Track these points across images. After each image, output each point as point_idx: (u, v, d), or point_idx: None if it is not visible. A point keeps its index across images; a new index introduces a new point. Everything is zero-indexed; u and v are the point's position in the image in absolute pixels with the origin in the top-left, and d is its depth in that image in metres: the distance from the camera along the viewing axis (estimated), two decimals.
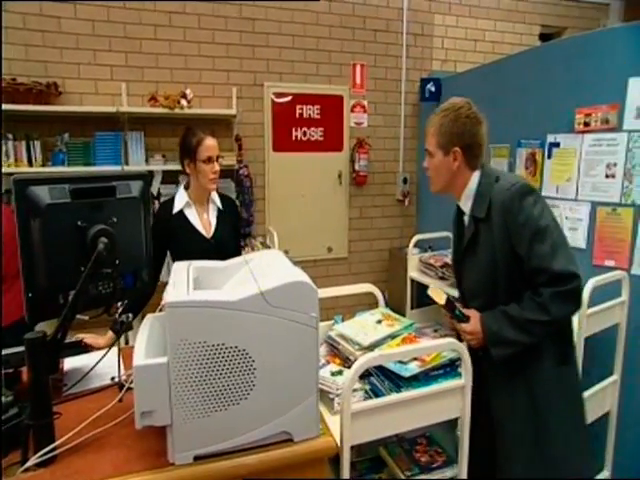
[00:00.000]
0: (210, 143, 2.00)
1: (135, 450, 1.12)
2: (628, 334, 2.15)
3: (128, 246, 1.28)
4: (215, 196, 2.12)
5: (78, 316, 1.19)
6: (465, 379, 1.37)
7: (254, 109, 3.72)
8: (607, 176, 2.24)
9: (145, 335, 1.18)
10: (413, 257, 3.18)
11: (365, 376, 1.46)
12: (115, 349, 1.35)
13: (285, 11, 3.71)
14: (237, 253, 2.09)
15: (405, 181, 4.18)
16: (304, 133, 3.89)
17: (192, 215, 2.06)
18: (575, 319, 1.90)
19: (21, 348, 1.10)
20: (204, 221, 2.08)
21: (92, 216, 1.17)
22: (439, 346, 1.42)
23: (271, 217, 3.87)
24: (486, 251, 1.52)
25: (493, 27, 4.39)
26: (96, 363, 1.32)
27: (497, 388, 1.53)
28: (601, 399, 2.12)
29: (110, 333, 1.61)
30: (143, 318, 1.29)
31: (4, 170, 2.83)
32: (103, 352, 1.35)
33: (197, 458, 1.08)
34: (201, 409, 1.07)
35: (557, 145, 2.49)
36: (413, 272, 3.17)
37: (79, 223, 1.14)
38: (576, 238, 2.39)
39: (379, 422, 1.29)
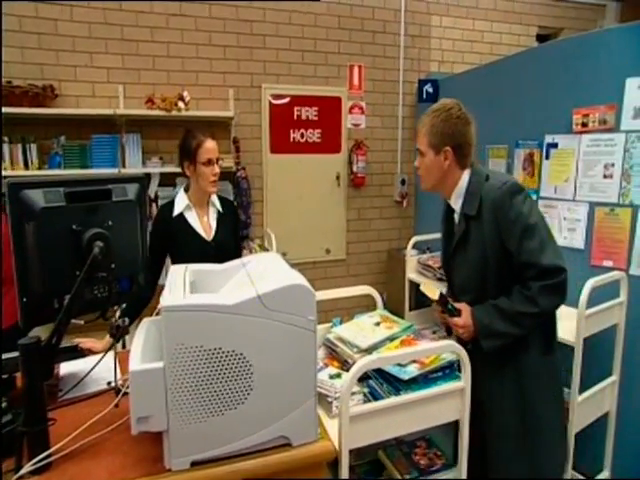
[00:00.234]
0: (210, 145, 1.99)
1: (131, 456, 1.11)
2: (627, 335, 2.14)
3: (124, 250, 1.26)
4: (215, 199, 2.12)
5: (73, 321, 1.18)
6: (464, 381, 1.37)
7: (251, 111, 3.72)
8: (605, 176, 2.23)
9: (141, 339, 1.17)
10: (411, 258, 3.18)
11: (364, 379, 1.45)
12: (112, 353, 1.34)
13: (282, 13, 3.71)
14: (237, 256, 2.07)
15: (403, 182, 4.18)
16: (302, 135, 3.89)
17: (192, 218, 2.05)
18: (574, 320, 1.91)
19: (15, 353, 1.09)
20: (204, 224, 2.07)
21: (87, 219, 1.16)
22: (438, 348, 1.41)
23: (269, 219, 3.86)
24: (477, 248, 1.57)
25: (490, 28, 4.39)
26: (92, 368, 1.30)
27: (487, 379, 1.55)
28: (600, 400, 2.12)
29: (108, 337, 1.60)
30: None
31: None
32: (99, 357, 1.33)
33: (194, 464, 1.07)
34: (198, 414, 1.05)
35: (555, 146, 2.49)
36: (411, 273, 3.16)
37: (74, 227, 1.13)
38: (574, 238, 2.39)
39: (378, 425, 1.28)
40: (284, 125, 3.83)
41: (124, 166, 3.22)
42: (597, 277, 1.98)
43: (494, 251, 1.53)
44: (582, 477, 2.19)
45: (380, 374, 1.43)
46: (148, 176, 3.29)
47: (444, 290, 1.75)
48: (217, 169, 2.01)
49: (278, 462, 1.12)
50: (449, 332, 1.87)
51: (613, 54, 2.20)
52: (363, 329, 1.68)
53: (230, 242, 2.11)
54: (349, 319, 1.84)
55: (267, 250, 3.63)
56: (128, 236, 1.29)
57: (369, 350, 1.56)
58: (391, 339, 1.61)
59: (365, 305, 2.29)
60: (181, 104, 3.26)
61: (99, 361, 1.31)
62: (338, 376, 1.52)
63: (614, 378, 2.15)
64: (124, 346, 2.41)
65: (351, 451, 1.23)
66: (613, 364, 2.15)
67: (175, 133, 3.35)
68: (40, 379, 1.05)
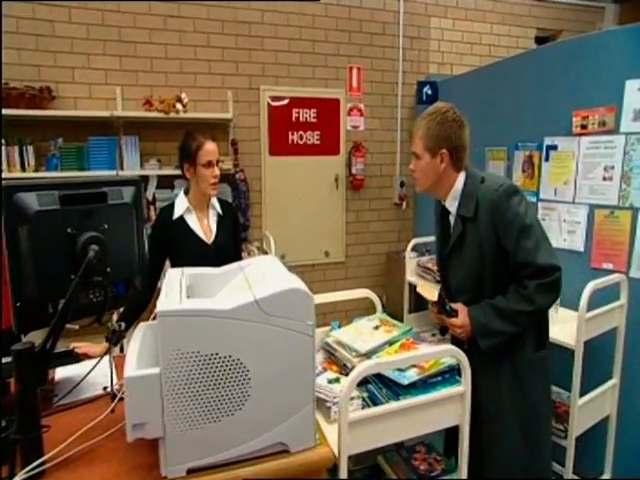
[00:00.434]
0: (210, 147, 1.98)
1: (126, 463, 1.09)
2: (627, 338, 2.13)
3: (120, 253, 1.25)
4: (215, 201, 2.10)
5: (68, 325, 1.16)
6: (464, 386, 1.35)
7: (250, 113, 3.71)
8: (605, 179, 2.22)
9: (137, 344, 1.16)
10: (411, 261, 3.17)
11: (363, 383, 1.44)
12: (108, 358, 1.32)
13: (281, 14, 3.70)
14: (237, 259, 2.07)
15: (402, 184, 4.17)
16: (300, 137, 3.88)
17: (192, 221, 2.03)
18: (574, 323, 1.90)
19: (8, 359, 1.07)
20: (204, 227, 2.06)
21: (82, 223, 1.14)
22: (438, 353, 1.39)
23: (268, 221, 3.84)
24: (473, 249, 1.60)
25: (489, 30, 4.39)
26: (87, 373, 1.29)
27: (483, 377, 1.56)
28: (600, 403, 2.11)
29: (105, 342, 1.58)
30: None
31: None
32: (95, 361, 1.31)
33: (190, 471, 1.05)
34: (194, 421, 1.04)
35: (554, 148, 2.48)
36: (411, 276, 3.15)
37: (69, 230, 1.11)
38: (574, 241, 2.38)
39: (377, 431, 1.27)
40: (283, 127, 3.82)
41: (122, 168, 3.21)
42: (597, 280, 1.97)
43: (491, 251, 1.56)
44: None
45: (379, 379, 1.42)
46: (146, 178, 3.28)
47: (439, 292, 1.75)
48: (217, 171, 2.00)
49: (276, 469, 1.11)
50: (443, 332, 1.90)
51: (613, 56, 2.19)
52: (362, 333, 1.67)
53: (230, 245, 2.10)
54: (348, 321, 1.82)
55: (266, 253, 3.61)
56: (124, 239, 1.27)
57: (368, 354, 1.54)
58: (390, 343, 1.59)
59: (364, 308, 2.28)
60: (179, 106, 3.25)
61: (94, 366, 1.29)
62: (337, 380, 1.50)
63: (614, 381, 2.14)
64: (122, 350, 2.39)
65: (350, 456, 1.22)
66: (613, 367, 2.14)
67: (173, 135, 3.34)
68: (34, 385, 1.03)
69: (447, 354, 1.38)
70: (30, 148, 2.99)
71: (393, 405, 1.29)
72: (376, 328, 1.70)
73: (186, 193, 2.07)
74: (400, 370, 1.39)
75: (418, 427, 1.34)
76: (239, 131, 3.65)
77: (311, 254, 4.01)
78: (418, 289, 1.73)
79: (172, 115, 3.23)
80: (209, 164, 1.97)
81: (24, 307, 1.09)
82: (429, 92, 3.93)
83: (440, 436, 1.68)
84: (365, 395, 1.44)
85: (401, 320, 3.15)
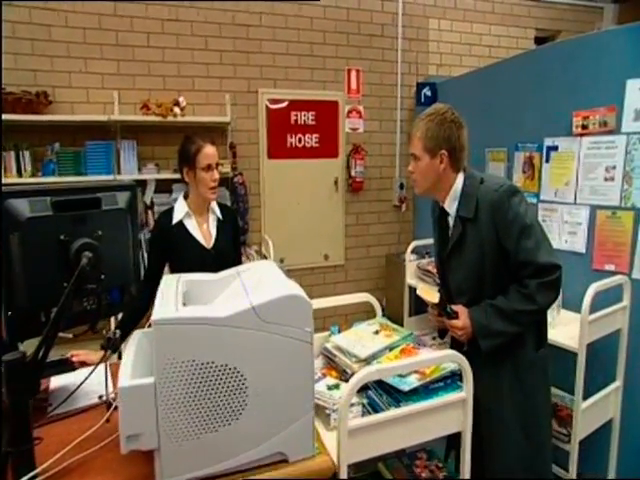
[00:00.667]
0: (209, 151, 1.96)
1: (121, 475, 1.07)
2: (630, 340, 2.11)
3: (114, 260, 1.23)
4: (215, 206, 2.08)
5: (61, 334, 1.14)
6: (466, 392, 1.33)
7: (248, 116, 3.69)
8: (606, 179, 2.20)
9: (132, 352, 1.13)
10: (411, 263, 3.15)
11: (363, 390, 1.41)
12: (103, 366, 1.30)
13: (278, 17, 3.69)
14: (237, 263, 2.04)
15: (402, 187, 4.15)
16: (299, 139, 3.86)
17: (192, 226, 2.01)
18: (576, 325, 1.88)
19: None
20: (204, 231, 2.03)
21: (76, 229, 1.12)
22: (439, 358, 1.37)
23: (266, 225, 3.82)
24: (473, 249, 1.60)
25: (488, 31, 4.38)
26: (81, 382, 1.26)
27: (484, 378, 1.54)
28: (604, 406, 2.09)
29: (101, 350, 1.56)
30: None
31: None
32: (90, 370, 1.29)
33: None
34: (190, 431, 1.02)
35: (555, 148, 2.46)
36: (411, 279, 3.13)
37: (62, 237, 1.09)
38: (575, 242, 2.36)
39: (378, 439, 1.24)
40: (281, 130, 3.80)
41: (119, 173, 3.19)
42: (600, 282, 1.95)
43: (491, 252, 1.56)
44: None
45: (380, 385, 1.40)
46: (144, 183, 3.26)
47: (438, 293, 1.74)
48: (216, 175, 1.98)
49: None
50: (442, 335, 1.89)
51: (613, 55, 2.17)
52: (362, 338, 1.64)
53: (230, 250, 2.07)
54: (348, 326, 1.80)
55: (265, 256, 3.59)
56: (119, 246, 1.25)
57: (368, 360, 1.52)
58: (390, 348, 1.57)
59: (364, 311, 2.26)
60: (177, 109, 3.23)
61: (89, 375, 1.27)
62: (336, 387, 1.48)
63: (618, 384, 2.12)
64: (120, 357, 2.36)
65: (350, 464, 1.19)
66: (616, 370, 2.12)
67: (171, 139, 3.32)
68: (25, 396, 1.01)
69: (448, 359, 1.35)
70: (27, 153, 2.97)
71: (394, 412, 1.26)
72: (376, 333, 1.68)
73: (186, 197, 2.05)
74: (401, 376, 1.36)
75: (419, 434, 1.31)
76: (237, 134, 3.64)
77: (310, 257, 3.99)
78: (418, 292, 1.72)
79: (170, 119, 3.21)
80: (208, 168, 1.95)
81: (16, 316, 1.07)
82: (428, 94, 3.91)
83: (441, 441, 1.66)
84: (365, 401, 1.41)
85: (401, 323, 3.14)
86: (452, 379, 1.40)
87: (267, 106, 3.74)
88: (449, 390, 1.37)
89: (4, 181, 2.85)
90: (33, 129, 3.06)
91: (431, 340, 2.65)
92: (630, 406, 2.14)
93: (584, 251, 2.32)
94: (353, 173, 3.99)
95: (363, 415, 1.37)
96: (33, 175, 3.00)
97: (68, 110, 3.20)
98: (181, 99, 3.30)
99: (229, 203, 3.47)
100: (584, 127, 2.28)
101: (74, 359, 1.61)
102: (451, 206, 1.66)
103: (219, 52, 3.55)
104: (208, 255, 1.99)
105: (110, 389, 1.36)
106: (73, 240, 1.10)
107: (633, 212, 2.10)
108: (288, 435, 1.10)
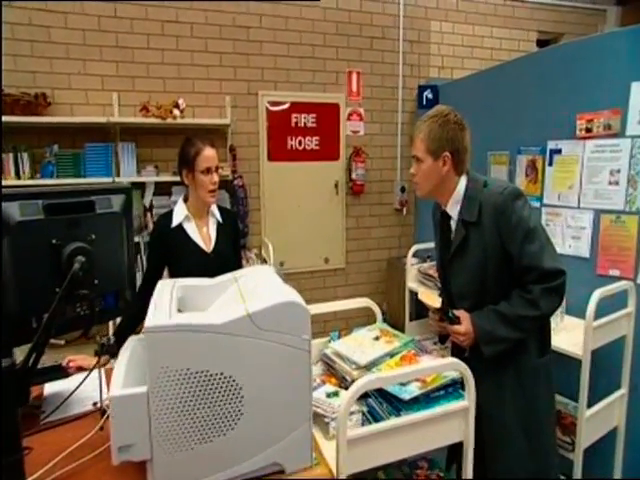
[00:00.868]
0: (209, 153, 1.93)
1: None
2: (635, 346, 2.08)
3: (109, 265, 1.20)
4: (215, 209, 2.06)
5: (53, 341, 1.11)
6: (468, 400, 1.30)
7: (248, 118, 3.67)
8: (610, 183, 2.17)
9: (125, 359, 1.11)
10: (412, 267, 3.12)
11: (363, 397, 1.38)
12: (98, 372, 1.27)
13: (279, 19, 3.67)
14: (238, 267, 2.02)
15: (403, 190, 4.13)
16: (299, 142, 3.84)
17: (191, 229, 1.99)
18: (580, 332, 1.84)
19: None
20: (203, 235, 2.01)
21: (68, 233, 1.09)
22: (441, 367, 1.34)
23: (266, 228, 3.80)
24: (476, 253, 1.57)
25: (490, 33, 4.36)
26: (75, 389, 1.24)
27: (486, 384, 1.51)
28: (608, 414, 2.05)
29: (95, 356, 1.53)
30: None
31: None
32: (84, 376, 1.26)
33: None
34: (184, 442, 0.99)
35: (559, 152, 2.43)
36: (412, 283, 3.10)
37: (54, 241, 1.07)
38: (579, 247, 2.33)
39: (377, 449, 1.21)
40: (282, 132, 3.78)
41: (118, 175, 3.17)
42: (604, 287, 1.92)
43: (495, 256, 1.54)
44: None
45: (380, 393, 1.36)
46: (143, 185, 3.25)
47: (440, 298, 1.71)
48: (216, 178, 1.95)
49: None
50: (442, 341, 1.87)
51: (617, 57, 2.14)
52: (362, 344, 1.61)
53: (230, 254, 2.04)
54: (348, 331, 1.77)
55: (265, 260, 3.56)
56: (113, 250, 1.22)
57: (368, 367, 1.49)
58: (391, 355, 1.54)
59: (364, 315, 2.23)
60: (176, 112, 3.21)
61: (82, 382, 1.25)
62: (336, 394, 1.45)
63: (622, 392, 2.09)
64: None
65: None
66: (621, 377, 2.09)
67: (170, 141, 3.31)
68: (14, 405, 0.98)
69: (450, 368, 1.32)
70: (25, 155, 2.95)
71: (394, 422, 1.23)
72: (376, 339, 1.65)
73: (185, 200, 2.03)
74: (401, 384, 1.33)
75: (420, 444, 1.28)
76: (237, 137, 3.62)
77: (311, 261, 3.96)
78: (420, 296, 1.69)
79: (169, 121, 3.19)
80: (208, 171, 1.92)
81: (6, 322, 1.04)
82: (430, 96, 3.89)
83: (443, 449, 1.62)
84: (365, 409, 1.38)
85: (402, 327, 3.11)
86: (454, 387, 1.37)
87: (267, 108, 3.72)
88: (450, 399, 1.34)
89: (3, 183, 2.82)
90: (32, 131, 3.05)
91: (432, 345, 2.61)
92: (635, 414, 2.10)
93: (588, 256, 2.29)
94: (354, 176, 3.96)
95: (363, 423, 1.34)
96: (32, 177, 2.98)
97: (67, 112, 3.18)
98: (181, 101, 3.28)
99: (229, 206, 3.44)
100: (588, 130, 2.25)
101: (71, 365, 1.59)
102: (453, 209, 1.63)
103: (219, 54, 3.54)
104: (208, 259, 1.96)
105: (104, 396, 1.33)
106: (65, 244, 1.08)
107: (638, 216, 2.07)
108: (285, 445, 1.07)
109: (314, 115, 3.85)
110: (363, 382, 1.18)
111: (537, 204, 2.55)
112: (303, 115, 3.82)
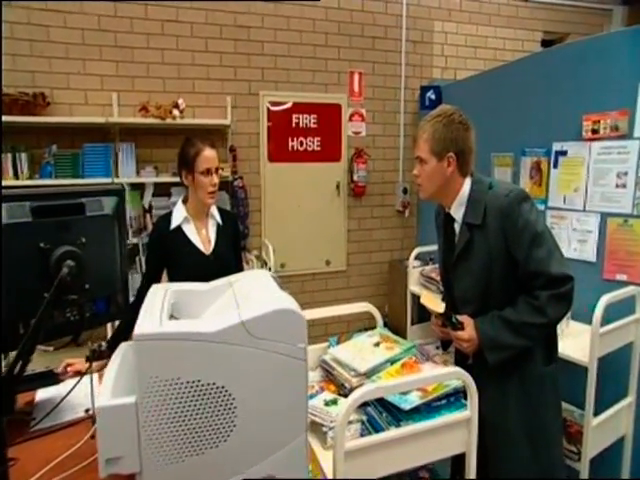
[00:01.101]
0: (209, 154, 1.90)
1: None
2: None
3: (100, 269, 1.17)
4: (215, 210, 2.03)
5: (42, 347, 1.07)
6: (471, 410, 1.26)
7: (249, 119, 3.64)
8: (617, 186, 2.13)
9: (115, 367, 1.06)
10: (414, 270, 3.08)
11: (362, 406, 1.34)
12: (94, 377, 1.24)
13: (280, 18, 3.64)
14: (238, 269, 1.98)
15: (405, 191, 4.08)
16: (301, 143, 3.80)
17: (190, 231, 1.96)
18: (587, 338, 1.80)
19: None
20: (203, 237, 1.98)
21: (57, 237, 1.06)
22: (442, 376, 1.30)
23: (267, 230, 3.76)
24: (480, 257, 1.53)
25: (494, 34, 4.31)
26: (65, 396, 1.20)
27: (489, 391, 1.47)
28: (615, 423, 2.01)
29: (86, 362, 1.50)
30: None
31: None
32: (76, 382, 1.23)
33: None
34: (175, 454, 0.95)
35: (564, 153, 2.39)
36: (414, 286, 3.05)
37: (42, 245, 1.03)
38: (585, 251, 2.28)
39: (376, 461, 1.17)
40: (282, 133, 3.75)
41: (117, 175, 3.14)
42: (611, 293, 1.87)
43: (499, 260, 1.50)
44: None
45: (380, 402, 1.32)
46: (142, 186, 3.22)
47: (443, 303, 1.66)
48: (216, 179, 1.92)
49: None
50: (445, 347, 1.83)
51: (625, 58, 2.10)
52: (362, 350, 1.57)
53: (230, 256, 2.01)
54: (349, 335, 1.73)
55: (265, 262, 3.53)
56: (105, 254, 1.19)
57: (368, 374, 1.45)
58: (392, 362, 1.50)
59: (365, 318, 2.19)
60: (176, 112, 3.18)
61: (72, 388, 1.21)
62: (334, 402, 1.41)
63: (630, 400, 2.04)
64: None
65: None
66: (629, 385, 2.04)
67: (170, 142, 3.28)
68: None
69: (452, 376, 1.28)
70: (24, 155, 2.93)
71: (394, 433, 1.19)
72: (376, 345, 1.61)
73: (185, 202, 1.99)
74: (402, 393, 1.29)
75: (421, 455, 1.24)
76: (238, 137, 3.58)
77: (312, 263, 3.92)
78: (422, 300, 1.64)
79: (169, 121, 3.17)
80: (207, 172, 1.89)
81: None
82: (432, 97, 3.85)
83: (445, 459, 1.58)
84: (364, 419, 1.34)
85: (404, 330, 3.06)
86: (456, 397, 1.32)
87: (268, 109, 3.69)
88: (452, 409, 1.29)
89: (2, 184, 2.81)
90: (30, 131, 3.02)
91: (434, 350, 2.56)
92: None
93: (594, 260, 2.24)
94: (355, 177, 3.92)
95: (362, 433, 1.30)
96: (30, 178, 2.95)
97: (66, 112, 3.16)
98: (180, 101, 3.25)
99: (229, 207, 3.41)
100: (594, 131, 2.21)
101: (69, 369, 1.56)
102: (457, 212, 1.59)
103: (219, 54, 3.50)
104: (207, 261, 1.93)
105: (96, 402, 1.29)
106: (54, 248, 1.05)
107: None
108: (280, 458, 1.03)
109: (315, 116, 3.82)
110: (362, 392, 1.14)
111: (542, 207, 2.50)
112: (304, 116, 3.78)
